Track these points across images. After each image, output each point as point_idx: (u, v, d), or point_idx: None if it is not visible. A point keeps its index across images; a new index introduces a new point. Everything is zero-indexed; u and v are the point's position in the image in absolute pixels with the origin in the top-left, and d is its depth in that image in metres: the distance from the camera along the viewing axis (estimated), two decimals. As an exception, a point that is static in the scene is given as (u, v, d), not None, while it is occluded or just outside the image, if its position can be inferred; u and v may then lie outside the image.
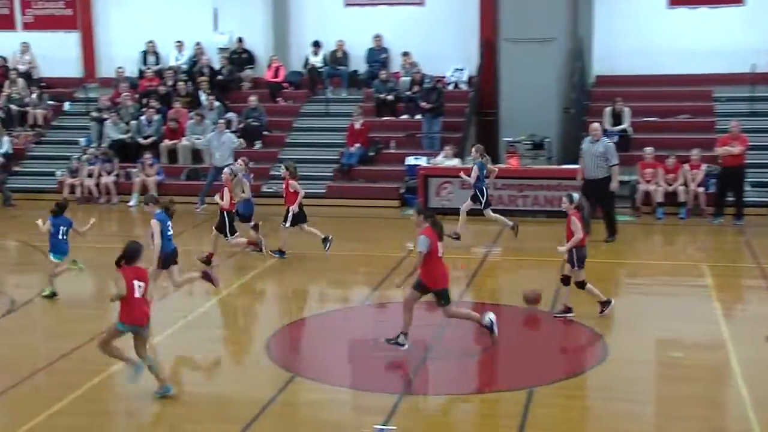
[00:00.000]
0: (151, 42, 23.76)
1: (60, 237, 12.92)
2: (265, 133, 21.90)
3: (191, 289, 14.21)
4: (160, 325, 11.88)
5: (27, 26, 24.89)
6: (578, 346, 11.74)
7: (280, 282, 14.78)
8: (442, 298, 10.71)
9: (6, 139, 21.62)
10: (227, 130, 20.01)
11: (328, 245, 15.23)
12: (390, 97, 21.86)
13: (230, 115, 22.10)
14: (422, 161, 19.91)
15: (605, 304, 11.99)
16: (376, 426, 8.89)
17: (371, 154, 20.99)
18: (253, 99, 21.86)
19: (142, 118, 21.85)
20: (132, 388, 10.05)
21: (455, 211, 17.60)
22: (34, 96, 23.31)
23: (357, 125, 20.89)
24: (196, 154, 21.34)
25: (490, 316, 11.00)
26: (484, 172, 16.10)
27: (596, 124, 16.68)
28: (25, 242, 16.32)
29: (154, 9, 23.90)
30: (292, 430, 9.18)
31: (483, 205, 16.14)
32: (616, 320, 12.06)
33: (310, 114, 22.72)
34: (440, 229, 10.69)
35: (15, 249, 16.04)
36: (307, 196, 20.34)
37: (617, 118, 20.22)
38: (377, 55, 23.00)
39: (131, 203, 20.26)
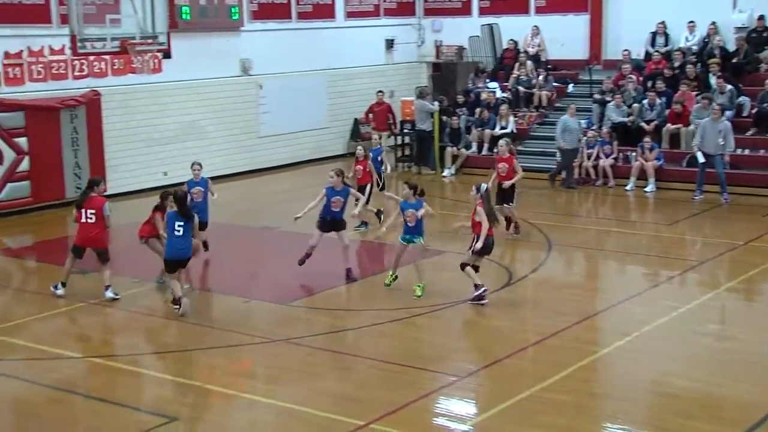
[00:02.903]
0: (661, 22, 23.10)
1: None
2: (781, 119, 20.19)
3: (684, 280, 13.51)
4: (650, 315, 11.51)
5: (539, 10, 25.61)
6: None
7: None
8: None
9: (512, 119, 22.51)
10: (724, 118, 18.70)
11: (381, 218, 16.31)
12: None
13: (743, 99, 20.68)
14: None
15: (478, 288, 11.89)
16: None
17: None
18: (769, 82, 20.23)
19: (645, 101, 21.32)
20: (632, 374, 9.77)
21: None
22: (540, 78, 23.94)
23: None
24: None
25: None
26: None
27: None
28: (524, 219, 16.72)
29: (668, -11, 23.17)
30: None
31: None
32: None
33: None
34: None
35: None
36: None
37: None
38: None
39: (628, 187, 19.89)
